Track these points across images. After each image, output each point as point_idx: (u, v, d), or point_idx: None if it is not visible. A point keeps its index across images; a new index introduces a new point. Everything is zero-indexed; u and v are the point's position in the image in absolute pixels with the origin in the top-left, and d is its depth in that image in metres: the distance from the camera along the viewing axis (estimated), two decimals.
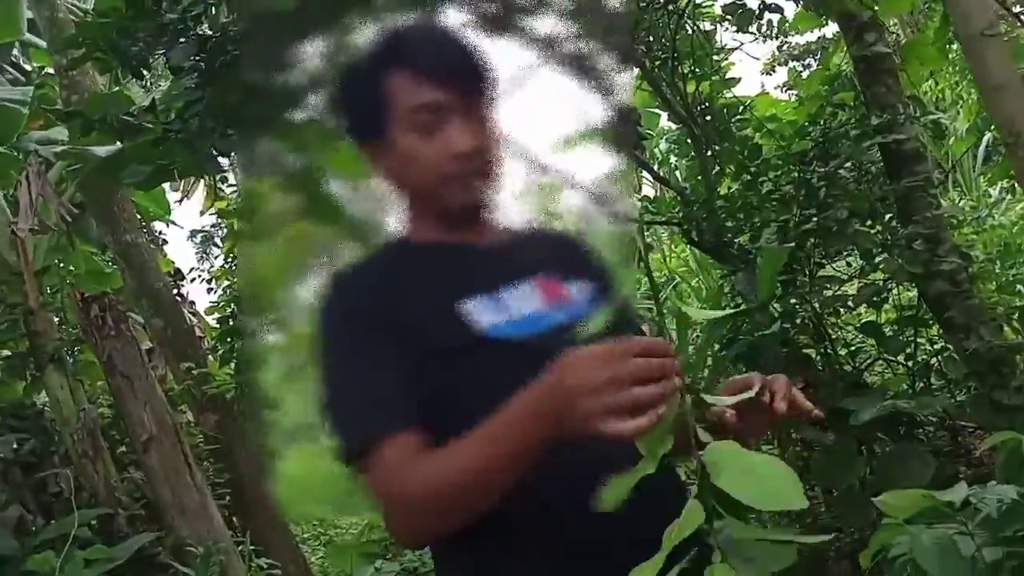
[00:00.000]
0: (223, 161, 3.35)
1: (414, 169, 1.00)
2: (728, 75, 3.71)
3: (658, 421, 0.71)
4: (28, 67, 4.86)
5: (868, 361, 3.09)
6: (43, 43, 4.28)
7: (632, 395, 0.72)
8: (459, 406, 0.90)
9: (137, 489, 3.38)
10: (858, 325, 3.09)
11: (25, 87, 4.35)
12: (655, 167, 4.29)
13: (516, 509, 0.86)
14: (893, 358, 3.01)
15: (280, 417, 4.46)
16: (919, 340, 2.91)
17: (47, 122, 4.56)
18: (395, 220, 1.12)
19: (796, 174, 3.11)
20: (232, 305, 4.60)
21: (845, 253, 3.17)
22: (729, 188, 3.52)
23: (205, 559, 2.72)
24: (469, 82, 1.00)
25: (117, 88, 4.43)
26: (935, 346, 2.99)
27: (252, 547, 3.52)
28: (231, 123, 2.18)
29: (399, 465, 0.86)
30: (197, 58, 2.12)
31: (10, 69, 4.55)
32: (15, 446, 3.16)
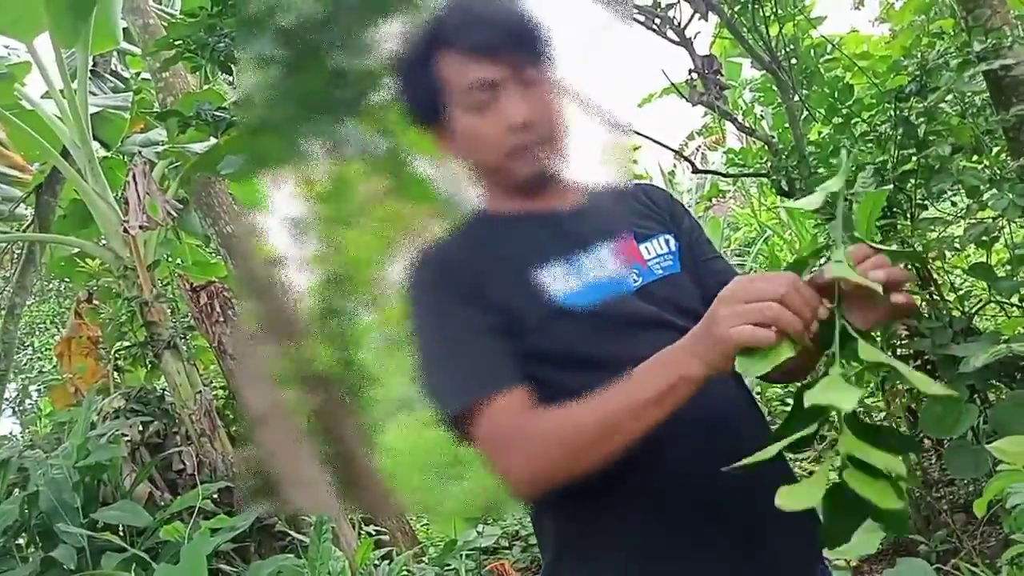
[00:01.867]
0: (313, 148, 3.45)
1: (477, 147, 1.01)
2: (813, 14, 3.54)
3: (776, 342, 0.74)
4: (126, 74, 5.14)
5: (978, 305, 2.92)
6: (138, 50, 4.51)
7: (776, 310, 0.74)
8: (536, 374, 0.91)
9: (253, 463, 3.59)
10: (967, 267, 2.92)
11: (125, 93, 4.61)
12: (739, 118, 4.14)
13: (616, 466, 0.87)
14: (1006, 300, 2.84)
15: (381, 392, 4.62)
16: None
17: (147, 125, 4.82)
18: (474, 195, 1.14)
19: (892, 112, 2.95)
20: (329, 286, 4.77)
21: (949, 192, 2.99)
22: (819, 133, 3.38)
23: (318, 527, 2.86)
24: (518, 53, 0.99)
25: (208, 86, 4.64)
26: None
27: (361, 515, 3.67)
28: (316, 110, 2.24)
29: (516, 418, 0.88)
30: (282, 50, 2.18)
31: (110, 77, 4.82)
32: (141, 428, 3.40)
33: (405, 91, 1.07)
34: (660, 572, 0.91)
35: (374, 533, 3.75)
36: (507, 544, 3.99)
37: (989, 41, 2.68)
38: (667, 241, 1.06)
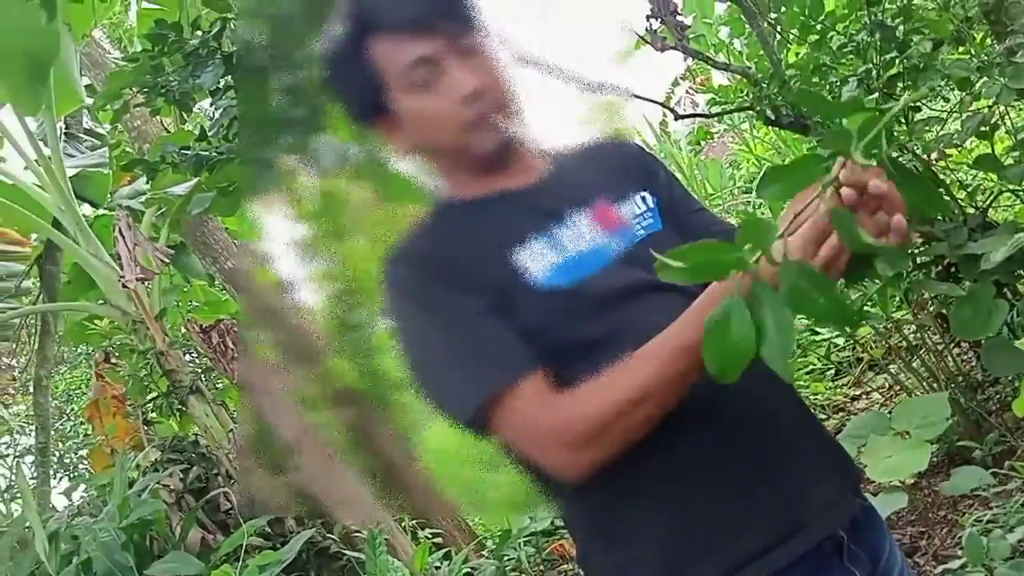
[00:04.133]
0: (291, 168, 3.42)
1: (430, 128, 0.95)
2: None
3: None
4: (101, 130, 5.13)
5: (990, 197, 2.83)
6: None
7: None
8: (541, 360, 0.87)
9: (297, 491, 3.60)
10: (971, 161, 2.83)
11: (101, 149, 4.61)
12: (718, 55, 4.05)
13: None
14: (1018, 187, 2.75)
15: (412, 395, 4.61)
16: None
17: (134, 176, 4.82)
18: (435, 184, 1.09)
19: (867, 18, 2.86)
20: (340, 301, 4.76)
21: (939, 90, 2.90)
22: (797, 54, 3.28)
23: (371, 541, 2.87)
24: (453, 23, 0.94)
25: (184, 125, 4.62)
26: None
27: (414, 521, 3.68)
28: (279, 131, 2.20)
29: (540, 407, 0.84)
30: (227, 77, 2.15)
31: (85, 136, 4.82)
32: (182, 476, 3.42)
33: (341, 88, 1.02)
34: (688, 534, 0.88)
35: (431, 536, 3.75)
36: (563, 523, 3.98)
37: None
38: (644, 199, 1.01)
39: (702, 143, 3.67)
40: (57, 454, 8.35)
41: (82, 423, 10.53)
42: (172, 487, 3.48)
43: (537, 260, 0.92)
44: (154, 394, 3.82)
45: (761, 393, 0.90)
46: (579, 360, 0.88)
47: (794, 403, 0.96)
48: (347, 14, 0.96)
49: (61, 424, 10.10)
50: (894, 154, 2.81)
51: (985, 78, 2.58)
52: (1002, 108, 2.67)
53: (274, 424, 3.38)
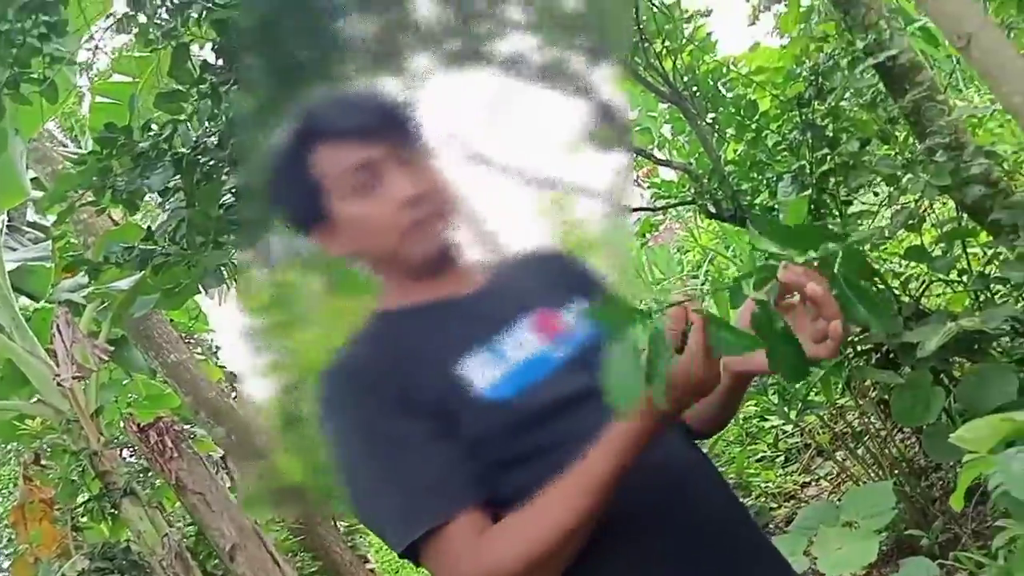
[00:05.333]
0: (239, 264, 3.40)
1: (368, 233, 0.95)
2: (708, 36, 3.62)
3: None
4: (45, 222, 5.04)
5: (923, 287, 2.95)
6: None
7: None
8: (484, 472, 0.86)
9: None
10: (902, 252, 2.96)
11: (44, 242, 4.52)
12: (661, 150, 4.21)
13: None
14: (947, 277, 2.87)
15: None
16: (969, 252, 2.77)
17: (76, 269, 4.71)
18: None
19: (798, 118, 3.02)
20: (287, 394, 4.65)
21: (869, 184, 3.05)
22: (735, 151, 3.44)
23: None
24: (393, 132, 0.97)
25: (131, 218, 4.56)
26: (988, 254, 2.84)
27: None
28: (222, 232, 2.19)
29: (469, 549, 0.82)
30: (177, 178, 2.15)
31: (28, 229, 4.72)
32: None
33: (281, 195, 1.02)
34: None
35: None
36: None
37: (870, 36, 2.77)
38: (582, 305, 1.02)
39: (647, 235, 3.81)
40: None
41: (6, 527, 9.89)
42: None
43: (480, 372, 0.90)
44: (85, 497, 3.63)
45: (709, 502, 0.91)
46: (526, 469, 0.87)
47: (738, 510, 0.97)
48: (293, 122, 0.98)
49: None
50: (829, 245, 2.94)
51: (910, 175, 2.73)
52: (927, 202, 2.82)
53: (212, 526, 3.23)
